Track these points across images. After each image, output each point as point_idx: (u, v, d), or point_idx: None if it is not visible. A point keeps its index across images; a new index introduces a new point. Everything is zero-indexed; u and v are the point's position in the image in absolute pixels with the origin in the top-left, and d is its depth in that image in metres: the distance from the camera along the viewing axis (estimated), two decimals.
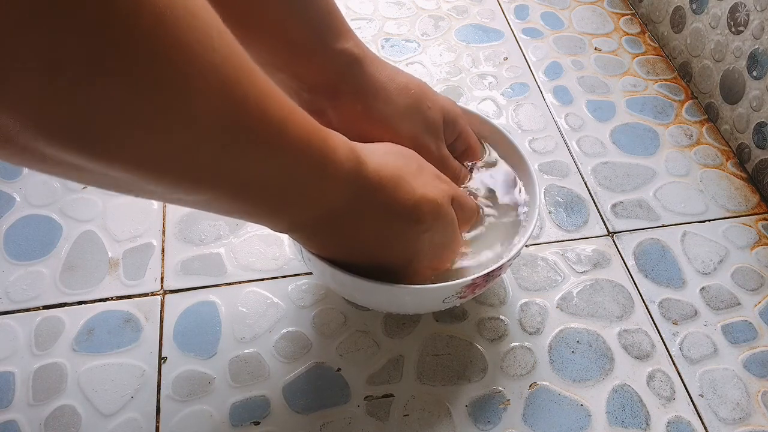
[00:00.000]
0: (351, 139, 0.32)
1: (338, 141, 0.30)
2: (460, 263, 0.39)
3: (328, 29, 0.36)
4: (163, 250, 0.47)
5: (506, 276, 0.47)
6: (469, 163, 0.45)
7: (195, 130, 0.22)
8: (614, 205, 0.53)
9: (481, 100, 0.60)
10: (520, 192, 0.43)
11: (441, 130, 0.41)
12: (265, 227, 0.33)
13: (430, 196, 0.34)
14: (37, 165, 0.21)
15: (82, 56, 0.17)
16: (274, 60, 0.36)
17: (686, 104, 0.61)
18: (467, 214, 0.39)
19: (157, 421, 0.39)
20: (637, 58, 0.65)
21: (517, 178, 0.44)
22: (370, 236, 0.34)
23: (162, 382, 0.41)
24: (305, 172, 0.28)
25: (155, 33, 0.18)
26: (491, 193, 0.44)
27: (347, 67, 0.37)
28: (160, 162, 0.22)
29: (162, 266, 0.46)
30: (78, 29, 0.17)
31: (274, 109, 0.25)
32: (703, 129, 0.59)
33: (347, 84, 0.37)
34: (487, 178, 0.44)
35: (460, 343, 0.44)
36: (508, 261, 0.38)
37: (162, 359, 0.42)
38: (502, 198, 0.43)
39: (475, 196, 0.43)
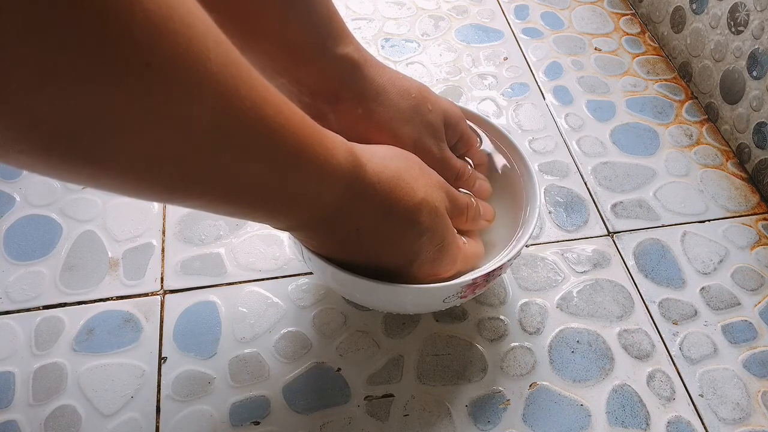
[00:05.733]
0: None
1: (337, 143, 0.30)
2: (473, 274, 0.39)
3: (328, 34, 0.36)
4: (163, 250, 0.47)
5: (506, 276, 0.47)
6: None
7: (190, 138, 0.22)
8: (614, 205, 0.53)
9: (481, 100, 0.60)
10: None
11: (442, 133, 0.41)
12: (266, 226, 0.33)
13: (429, 200, 0.35)
14: (29, 168, 0.21)
15: (75, 68, 0.17)
16: (274, 65, 0.36)
17: (686, 104, 0.61)
18: (459, 209, 0.39)
19: (157, 421, 0.39)
20: (637, 58, 0.65)
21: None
22: (369, 237, 0.34)
23: (162, 382, 0.41)
24: (303, 176, 0.28)
25: (149, 45, 0.18)
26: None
27: (348, 72, 0.37)
28: (154, 169, 0.22)
29: (162, 266, 0.46)
30: (71, 42, 0.17)
31: (271, 116, 0.25)
32: (703, 129, 0.59)
33: (348, 88, 0.37)
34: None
35: (460, 343, 0.44)
36: (508, 261, 0.38)
37: (162, 359, 0.42)
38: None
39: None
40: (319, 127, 0.29)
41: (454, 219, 0.38)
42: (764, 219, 0.53)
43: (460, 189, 0.43)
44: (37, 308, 0.44)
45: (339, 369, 0.42)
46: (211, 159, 0.23)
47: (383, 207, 0.33)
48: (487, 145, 0.46)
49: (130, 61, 0.18)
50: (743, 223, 0.52)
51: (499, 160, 0.46)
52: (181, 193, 0.25)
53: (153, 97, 0.20)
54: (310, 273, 0.46)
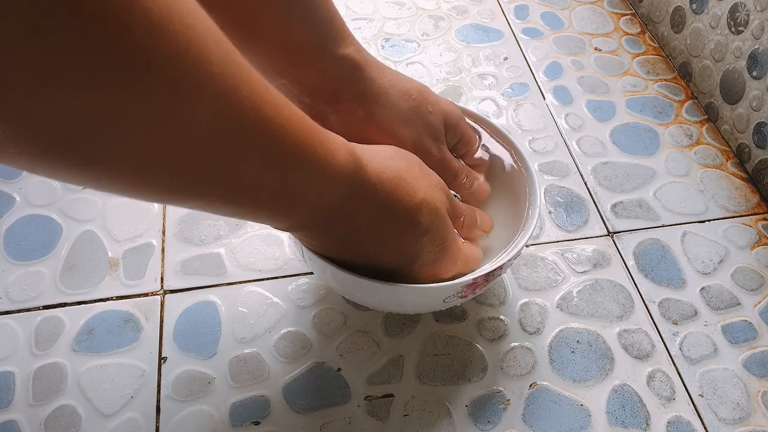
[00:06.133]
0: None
1: (338, 144, 0.30)
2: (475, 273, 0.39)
3: (329, 35, 0.36)
4: (163, 250, 0.47)
5: (506, 276, 0.47)
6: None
7: (190, 139, 0.22)
8: (614, 205, 0.53)
9: (481, 100, 0.60)
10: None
11: (442, 134, 0.41)
12: (266, 226, 0.33)
13: (430, 200, 0.35)
14: (29, 169, 0.21)
15: (75, 69, 0.17)
16: (275, 66, 0.36)
17: (686, 104, 0.61)
18: (456, 214, 0.39)
19: (157, 421, 0.39)
20: (637, 58, 0.65)
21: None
22: (370, 237, 0.34)
23: (162, 382, 0.41)
24: (304, 176, 0.28)
25: (149, 46, 0.18)
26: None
27: (349, 73, 0.37)
28: (155, 170, 0.22)
29: (162, 266, 0.46)
30: (71, 42, 0.17)
31: (271, 117, 0.25)
32: (703, 129, 0.59)
33: (349, 89, 0.38)
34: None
35: (460, 343, 0.44)
36: (508, 261, 0.38)
37: (162, 359, 0.42)
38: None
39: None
40: (320, 127, 0.29)
41: (453, 221, 0.38)
42: (764, 219, 0.53)
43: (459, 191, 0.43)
44: (37, 308, 0.44)
45: (339, 369, 0.42)
46: (212, 159, 0.23)
47: (384, 207, 0.33)
48: (487, 145, 0.46)
49: (130, 62, 0.18)
50: (743, 223, 0.52)
51: (499, 161, 0.46)
52: (182, 193, 0.25)
53: (153, 97, 0.20)
54: (310, 273, 0.46)
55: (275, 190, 0.28)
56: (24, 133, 0.18)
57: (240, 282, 0.46)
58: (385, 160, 0.34)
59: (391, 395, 0.41)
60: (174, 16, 0.19)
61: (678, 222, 0.52)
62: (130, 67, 0.18)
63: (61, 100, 0.18)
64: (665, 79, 0.63)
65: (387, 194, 0.33)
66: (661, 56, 0.66)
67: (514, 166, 0.45)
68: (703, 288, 0.48)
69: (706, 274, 0.49)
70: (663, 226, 0.52)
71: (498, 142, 0.46)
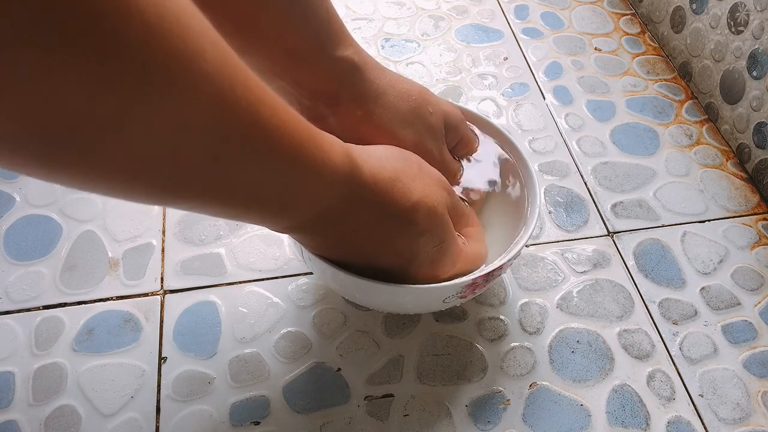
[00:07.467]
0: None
1: (333, 145, 0.30)
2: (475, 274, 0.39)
3: (327, 37, 0.36)
4: (163, 250, 0.47)
5: (506, 276, 0.47)
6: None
7: (186, 139, 0.22)
8: (614, 205, 0.53)
9: (481, 100, 0.60)
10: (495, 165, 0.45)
11: (443, 135, 0.41)
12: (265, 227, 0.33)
13: (427, 201, 0.34)
14: (23, 171, 0.21)
15: (69, 68, 0.17)
16: (274, 68, 0.36)
17: (686, 104, 0.61)
18: (461, 219, 0.39)
19: (157, 421, 0.39)
20: (637, 58, 0.65)
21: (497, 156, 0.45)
22: (366, 238, 0.34)
23: (162, 382, 0.41)
24: (299, 177, 0.28)
25: (144, 45, 0.18)
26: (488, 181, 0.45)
27: (348, 75, 0.37)
28: (150, 170, 0.22)
29: (162, 266, 0.46)
30: (66, 42, 0.17)
31: (267, 118, 0.25)
32: (703, 129, 0.59)
33: (348, 91, 0.37)
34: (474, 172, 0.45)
35: (460, 343, 0.44)
36: (508, 261, 0.38)
37: (162, 359, 0.42)
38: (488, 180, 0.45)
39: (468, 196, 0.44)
40: (315, 128, 0.29)
41: (455, 219, 0.38)
42: (764, 219, 0.53)
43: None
44: (37, 308, 0.44)
45: (339, 369, 0.42)
46: (207, 160, 0.23)
47: (380, 208, 0.33)
48: (486, 145, 0.46)
49: (125, 61, 0.18)
50: (743, 223, 0.52)
51: (499, 161, 0.46)
52: (177, 194, 0.25)
53: (148, 97, 0.19)
54: (310, 273, 0.46)
55: (270, 192, 0.28)
56: (18, 132, 0.18)
57: (240, 282, 0.46)
58: (381, 160, 0.33)
59: (391, 395, 0.41)
60: (170, 15, 0.19)
61: (678, 222, 0.52)
62: (125, 66, 0.18)
63: (55, 98, 0.18)
64: (665, 79, 0.63)
65: (383, 195, 0.33)
66: (661, 56, 0.66)
67: (515, 166, 0.45)
68: (703, 288, 0.48)
69: (706, 274, 0.49)
70: (663, 226, 0.52)
71: (497, 142, 0.46)
